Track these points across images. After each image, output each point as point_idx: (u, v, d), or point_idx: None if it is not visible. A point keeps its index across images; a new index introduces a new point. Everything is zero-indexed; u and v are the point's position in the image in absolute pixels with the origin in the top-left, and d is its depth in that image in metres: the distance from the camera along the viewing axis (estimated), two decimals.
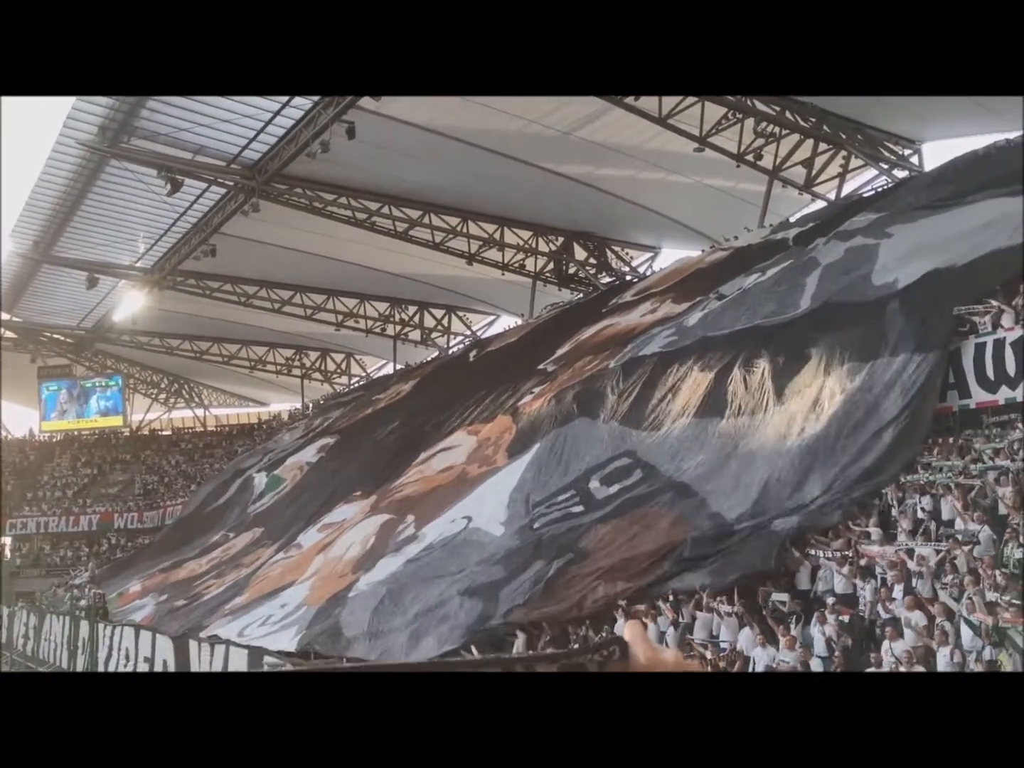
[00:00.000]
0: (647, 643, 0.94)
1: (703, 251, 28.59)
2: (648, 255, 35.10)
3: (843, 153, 24.67)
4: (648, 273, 32.49)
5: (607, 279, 33.84)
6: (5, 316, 50.31)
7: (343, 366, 52.68)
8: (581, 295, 34.08)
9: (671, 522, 14.85)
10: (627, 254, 34.64)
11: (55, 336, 52.35)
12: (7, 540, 52.92)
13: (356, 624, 17.06)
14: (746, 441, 15.65)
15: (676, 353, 19.72)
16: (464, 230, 32.15)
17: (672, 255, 32.44)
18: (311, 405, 51.74)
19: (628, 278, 32.88)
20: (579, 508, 17.45)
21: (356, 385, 50.89)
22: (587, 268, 34.18)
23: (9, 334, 52.94)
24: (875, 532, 12.90)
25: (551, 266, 34.46)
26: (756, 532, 13.39)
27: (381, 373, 49.88)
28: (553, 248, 33.92)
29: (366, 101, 23.05)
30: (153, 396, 61.53)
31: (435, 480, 23.23)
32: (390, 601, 17.22)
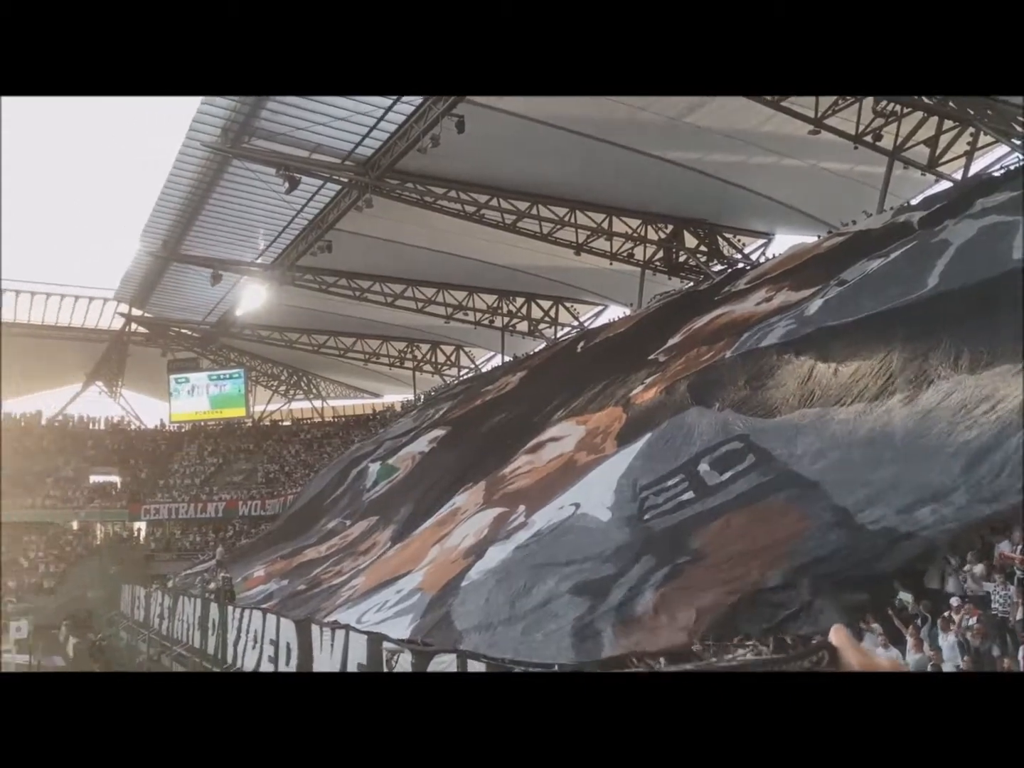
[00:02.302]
0: (857, 648, 0.93)
1: (820, 237, 27.69)
2: (761, 242, 34.24)
3: (970, 130, 23.43)
4: (762, 260, 31.68)
5: (719, 267, 33.19)
6: (137, 312, 53.27)
7: (453, 358, 53.45)
8: (692, 284, 33.54)
9: (790, 517, 14.28)
10: (739, 241, 33.88)
11: (183, 331, 54.95)
12: (142, 525, 56.10)
13: (468, 616, 17.21)
14: (871, 432, 14.93)
15: (797, 343, 19.10)
16: (572, 220, 32.08)
17: (787, 241, 31.59)
18: (422, 396, 52.72)
19: (741, 266, 32.15)
20: (689, 495, 16.92)
21: (465, 377, 51.57)
22: (698, 256, 33.60)
23: (141, 329, 56.04)
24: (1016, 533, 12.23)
25: (660, 254, 34.03)
26: (886, 531, 12.61)
27: (489, 365, 50.36)
28: (662, 236, 33.48)
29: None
30: (274, 388, 63.96)
31: (545, 470, 23.31)
32: (500, 592, 17.27)
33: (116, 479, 57.67)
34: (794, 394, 17.37)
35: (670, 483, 17.60)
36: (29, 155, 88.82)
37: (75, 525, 55.66)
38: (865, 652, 0.92)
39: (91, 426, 62.26)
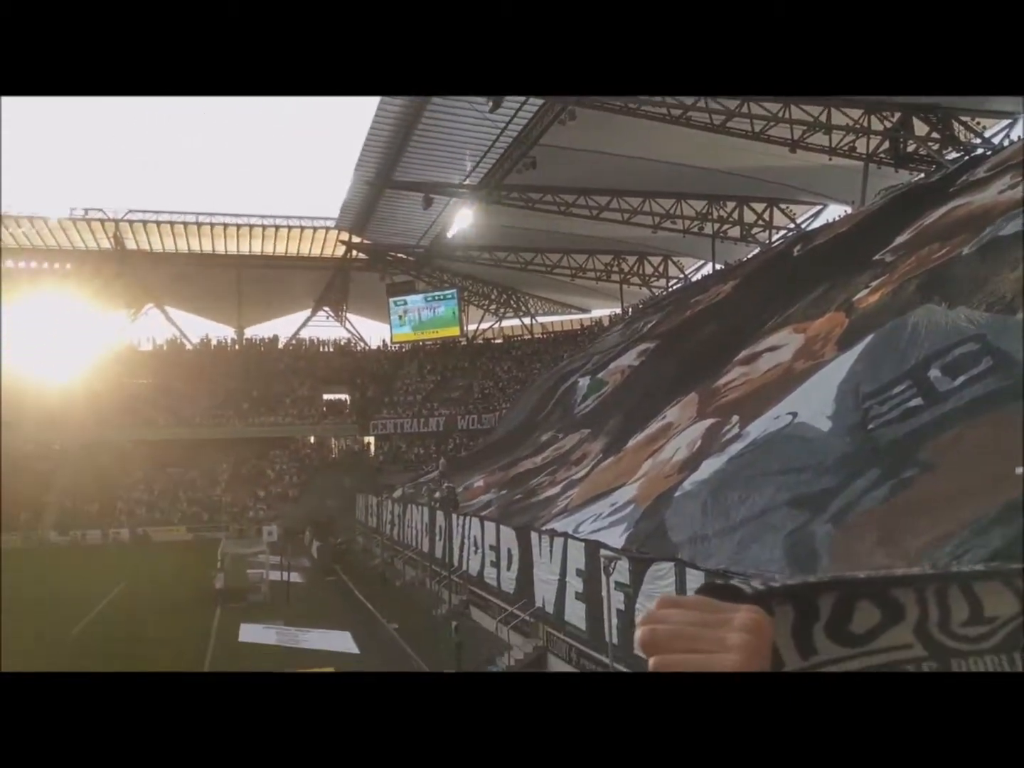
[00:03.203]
0: None
1: None
2: (1006, 123, 30.69)
3: None
4: (1005, 144, 28.44)
5: (954, 155, 30.13)
6: (356, 239, 56.21)
7: (660, 269, 52.52)
8: (923, 175, 30.73)
9: None
10: (978, 124, 30.49)
11: (399, 255, 57.42)
12: (371, 440, 60.24)
13: (682, 527, 17.16)
14: None
15: None
16: (786, 116, 30.15)
17: None
18: (630, 310, 52.36)
19: (981, 151, 29.02)
20: (917, 402, 15.64)
21: (674, 288, 50.59)
22: (929, 144, 30.65)
23: (361, 256, 59.18)
24: None
25: (886, 146, 31.35)
26: None
27: (700, 274, 49.08)
28: (888, 126, 30.77)
29: None
30: (485, 307, 65.81)
31: (760, 380, 22.56)
32: (714, 503, 17.01)
33: (346, 397, 62.03)
34: None
35: (896, 390, 16.38)
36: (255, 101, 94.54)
37: (312, 440, 60.67)
38: None
39: (321, 349, 67.02)
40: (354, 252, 58.59)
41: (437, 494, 25.64)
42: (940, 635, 0.92)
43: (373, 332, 69.37)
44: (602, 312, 62.29)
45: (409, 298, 61.38)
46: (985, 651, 0.92)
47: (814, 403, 18.11)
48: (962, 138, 30.37)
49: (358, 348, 67.61)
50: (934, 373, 15.95)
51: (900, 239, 23.64)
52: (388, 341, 65.25)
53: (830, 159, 31.91)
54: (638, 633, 0.78)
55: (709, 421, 22.31)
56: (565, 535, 19.33)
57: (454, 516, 25.80)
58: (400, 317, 61.78)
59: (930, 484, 13.49)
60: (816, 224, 38.76)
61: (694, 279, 49.04)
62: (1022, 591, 0.92)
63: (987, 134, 30.57)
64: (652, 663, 0.76)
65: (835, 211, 37.15)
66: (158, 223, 56.15)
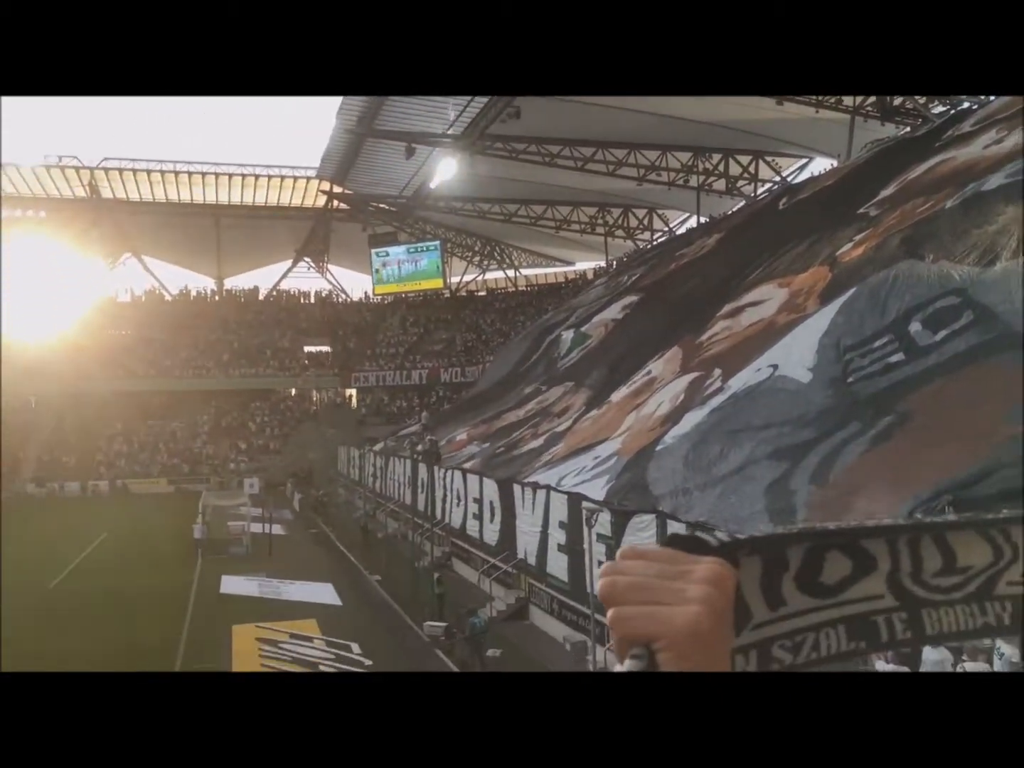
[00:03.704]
0: None
1: None
2: None
3: None
4: (991, 99, 28.23)
5: (940, 108, 29.90)
6: (338, 189, 55.40)
7: (645, 221, 52.22)
8: (909, 128, 30.51)
9: (1012, 381, 12.98)
10: None
11: (381, 205, 56.72)
12: (353, 392, 60.10)
13: (663, 481, 17.21)
14: None
15: None
16: None
17: None
18: (615, 263, 52.16)
19: (967, 105, 28.80)
20: (898, 356, 15.70)
21: (659, 241, 50.36)
22: (916, 98, 30.38)
23: (342, 206, 58.41)
24: None
25: (873, 99, 31.06)
26: None
27: (685, 227, 48.84)
28: None
29: None
30: (468, 259, 65.36)
31: (743, 334, 22.56)
32: (695, 456, 17.08)
33: (327, 349, 61.73)
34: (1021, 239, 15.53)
35: (877, 344, 16.42)
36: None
37: (293, 392, 60.46)
38: None
39: (302, 300, 66.49)
40: (335, 202, 57.80)
41: (420, 447, 25.61)
42: (912, 585, 0.92)
43: (355, 283, 68.88)
44: (587, 265, 62.08)
45: (391, 249, 60.84)
46: (956, 601, 0.92)
47: (795, 356, 18.14)
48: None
49: (339, 300, 67.13)
50: (915, 327, 15.98)
51: (885, 193, 23.53)
52: (370, 292, 64.80)
53: (817, 112, 31.63)
54: (598, 584, 0.77)
55: (692, 375, 22.34)
56: (547, 487, 19.41)
57: (436, 469, 25.82)
58: (382, 268, 61.30)
59: (909, 436, 13.58)
60: (802, 177, 38.54)
61: (679, 232, 48.80)
62: (996, 541, 0.92)
63: None
64: (610, 615, 0.74)
65: (821, 164, 37.04)
66: (134, 171, 55.10)
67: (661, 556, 0.77)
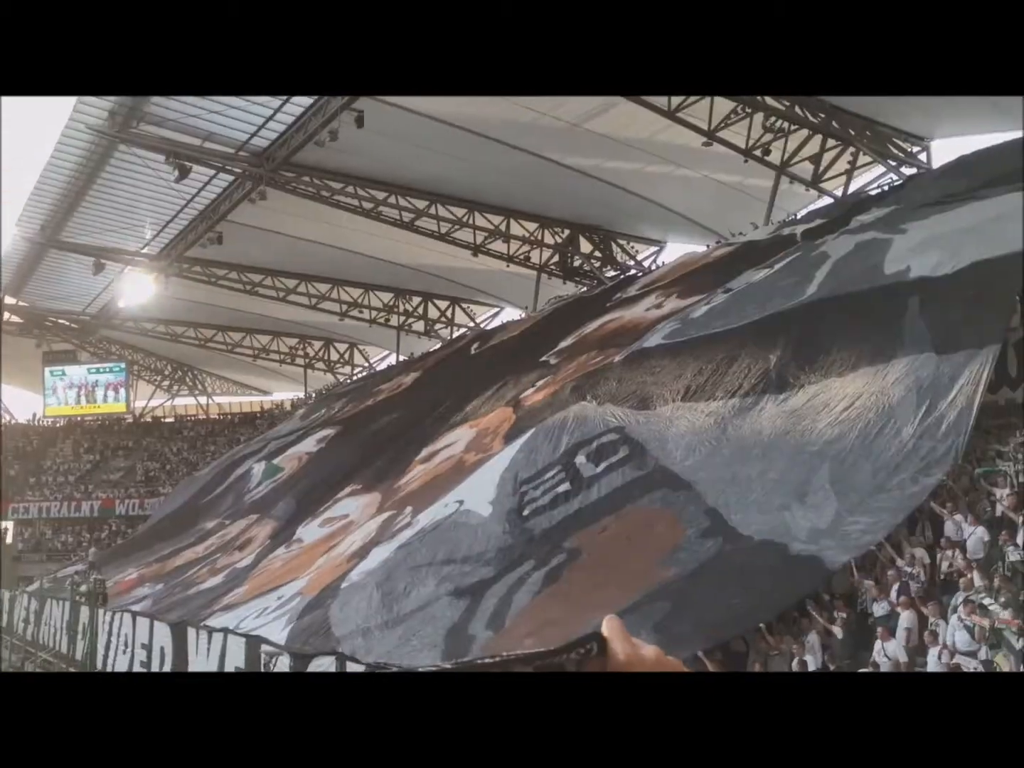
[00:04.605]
0: (627, 640, 0.89)
1: (709, 246, 28.45)
2: (654, 249, 34.93)
3: (851, 149, 24.49)
4: (653, 268, 32.35)
5: (612, 273, 33.71)
6: (11, 300, 50.40)
7: (346, 356, 52.61)
8: (585, 288, 33.96)
9: (666, 523, 14.42)
10: (633, 248, 34.46)
11: (60, 321, 52.33)
12: (9, 525, 53.06)
13: (346, 621, 16.76)
14: (739, 427, 15.37)
15: (679, 344, 19.59)
16: (470, 221, 32.03)
17: (678, 250, 32.29)
18: (313, 394, 51.73)
19: (633, 272, 32.74)
20: (565, 487, 17.07)
21: (359, 376, 50.86)
22: (592, 261, 34.04)
23: (15, 318, 53.05)
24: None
25: (556, 259, 34.34)
26: (774, 549, 12.39)
27: (384, 364, 49.83)
28: (559, 240, 33.78)
29: None
30: (156, 383, 61.54)
31: (434, 471, 23.16)
32: (379, 593, 16.96)
33: None
34: (672, 390, 17.80)
35: (547, 475, 17.81)
36: None
37: None
38: (634, 644, 0.89)
39: None
40: (6, 314, 52.43)
41: (83, 587, 23.02)
42: None
43: (23, 404, 62.20)
44: (285, 395, 60.89)
45: (69, 368, 55.99)
46: None
47: (478, 491, 18.98)
48: (619, 258, 34.09)
49: (2, 421, 60.05)
50: (580, 459, 17.55)
51: (564, 344, 25.78)
52: (40, 414, 58.76)
53: (508, 266, 34.24)
54: None
55: (386, 514, 22.41)
56: (224, 630, 18.16)
57: (100, 612, 23.28)
58: (57, 388, 56.07)
59: (578, 576, 14.47)
60: (494, 324, 41.10)
61: (379, 368, 49.68)
62: None
63: (640, 257, 34.59)
64: None
65: (511, 313, 39.70)
66: None
67: None
